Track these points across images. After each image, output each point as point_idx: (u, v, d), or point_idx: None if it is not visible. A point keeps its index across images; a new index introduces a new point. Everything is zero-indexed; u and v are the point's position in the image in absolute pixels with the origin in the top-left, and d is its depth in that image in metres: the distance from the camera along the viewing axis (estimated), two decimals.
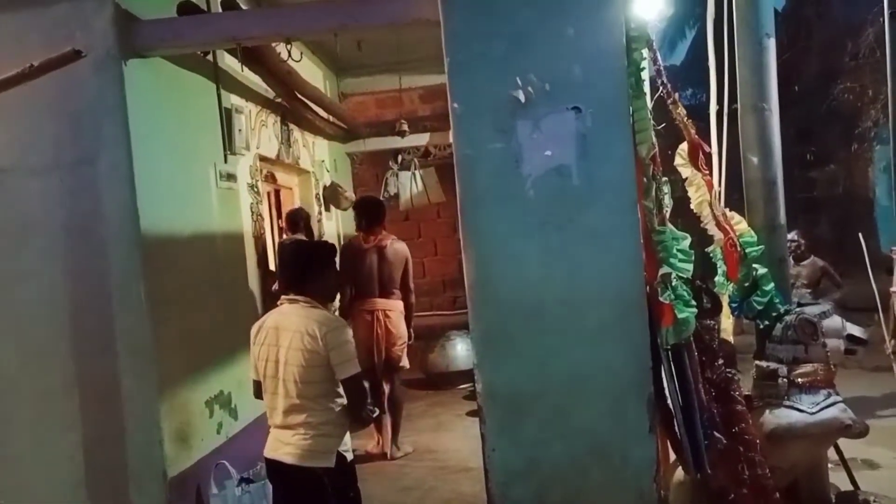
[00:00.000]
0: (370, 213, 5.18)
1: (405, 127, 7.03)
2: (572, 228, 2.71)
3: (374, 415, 3.07)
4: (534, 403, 2.71)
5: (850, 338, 3.21)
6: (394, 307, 5.08)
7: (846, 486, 3.71)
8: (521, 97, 2.71)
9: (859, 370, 4.60)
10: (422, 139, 7.38)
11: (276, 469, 2.87)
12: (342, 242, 6.95)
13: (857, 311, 4.92)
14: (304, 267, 2.94)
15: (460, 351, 6.33)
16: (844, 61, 10.31)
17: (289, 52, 3.62)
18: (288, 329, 2.82)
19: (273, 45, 4.09)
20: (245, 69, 4.37)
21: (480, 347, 2.77)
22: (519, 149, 2.72)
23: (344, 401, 2.83)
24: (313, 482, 2.77)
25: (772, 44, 3.73)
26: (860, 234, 4.64)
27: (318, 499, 2.79)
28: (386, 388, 5.12)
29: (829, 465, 3.66)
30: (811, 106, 11.15)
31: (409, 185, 7.72)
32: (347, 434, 2.93)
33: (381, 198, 6.63)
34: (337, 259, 3.12)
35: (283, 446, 2.81)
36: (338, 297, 5.26)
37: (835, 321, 3.24)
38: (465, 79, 2.75)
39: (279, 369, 2.81)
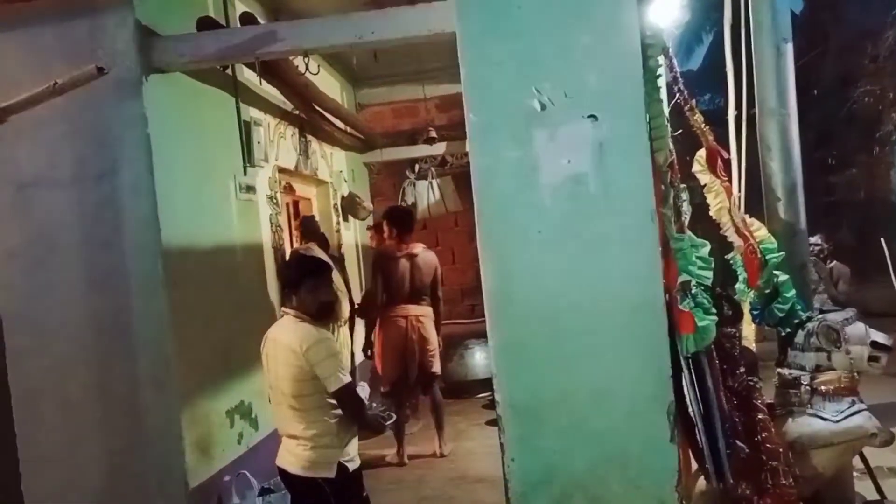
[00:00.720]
0: (402, 222, 5.30)
1: (433, 134, 7.08)
2: (590, 237, 2.70)
3: (389, 422, 3.08)
4: (553, 412, 2.69)
5: (875, 344, 3.16)
6: (426, 314, 5.20)
7: (872, 494, 3.65)
8: (538, 106, 2.72)
9: (884, 376, 4.52)
10: (439, 148, 7.42)
11: (283, 477, 2.94)
12: (360, 252, 7.00)
13: (881, 316, 4.86)
14: (291, 280, 2.97)
15: (479, 360, 6.33)
16: (864, 64, 10.21)
17: (306, 66, 3.65)
18: (279, 343, 2.87)
19: (291, 58, 4.14)
20: (263, 82, 4.43)
21: (499, 356, 2.77)
22: (536, 158, 2.73)
23: (338, 414, 2.83)
24: (314, 491, 2.81)
25: (789, 48, 3.70)
26: (882, 239, 4.58)
27: None
28: (423, 397, 5.26)
29: (855, 474, 3.60)
30: (831, 110, 11.04)
31: (426, 195, 7.77)
32: (354, 443, 2.93)
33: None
34: (332, 275, 3.08)
35: (287, 455, 2.87)
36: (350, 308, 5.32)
37: (858, 328, 3.19)
38: (481, 88, 2.76)
39: (277, 382, 2.85)
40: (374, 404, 3.09)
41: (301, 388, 2.78)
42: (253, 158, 4.37)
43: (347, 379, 2.80)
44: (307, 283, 2.90)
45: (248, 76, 4.39)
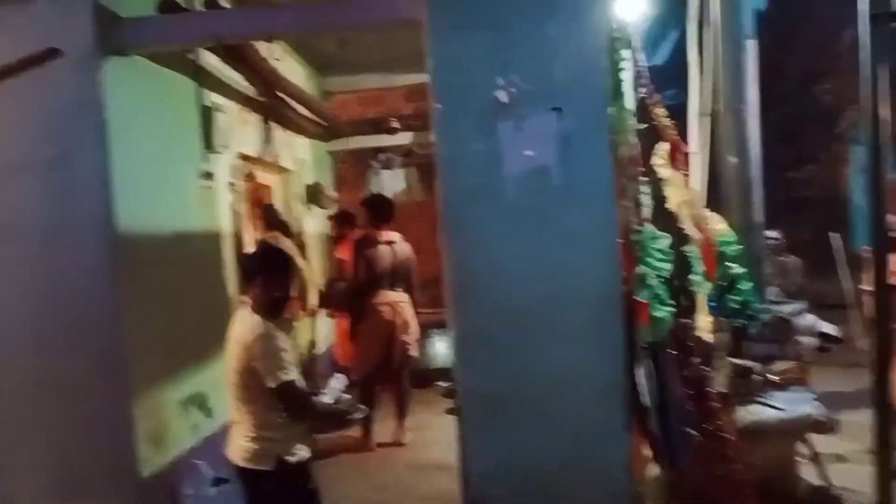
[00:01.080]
0: (383, 209, 5.35)
1: (395, 124, 7.03)
2: (553, 228, 2.73)
3: (358, 415, 3.05)
4: (511, 402, 2.73)
5: (823, 335, 3.26)
6: (406, 300, 5.30)
7: (820, 481, 3.77)
8: (504, 98, 2.73)
9: (833, 366, 4.66)
10: (404, 138, 7.39)
11: (232, 467, 2.93)
12: (324, 241, 6.95)
13: (832, 308, 5.00)
14: (248, 272, 2.95)
15: (440, 349, 6.36)
16: (825, 63, 10.42)
17: (271, 52, 3.60)
18: (232, 333, 2.86)
19: (255, 43, 4.08)
20: (226, 67, 4.35)
21: (460, 346, 2.79)
22: (501, 149, 2.74)
23: (280, 409, 2.78)
24: (255, 482, 2.81)
25: (751, 45, 3.77)
26: (830, 234, 4.71)
27: (259, 499, 2.82)
28: (398, 382, 5.31)
29: (802, 461, 3.71)
30: (793, 107, 11.25)
31: (391, 184, 7.74)
32: (302, 437, 2.87)
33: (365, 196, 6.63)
34: (291, 270, 3.00)
35: (232, 445, 2.87)
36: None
37: (808, 319, 3.29)
38: (447, 78, 2.76)
39: (229, 371, 2.85)
40: (344, 396, 3.04)
41: (245, 380, 2.77)
42: (213, 144, 4.30)
43: (289, 377, 2.73)
44: (262, 276, 2.86)
45: (211, 60, 4.31)
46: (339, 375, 3.23)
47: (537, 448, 2.71)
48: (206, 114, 4.27)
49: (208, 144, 4.26)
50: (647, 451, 2.92)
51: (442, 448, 4.77)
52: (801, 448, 3.54)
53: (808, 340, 3.24)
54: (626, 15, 3.20)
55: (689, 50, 4.31)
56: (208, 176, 4.26)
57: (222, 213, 4.52)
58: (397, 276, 5.24)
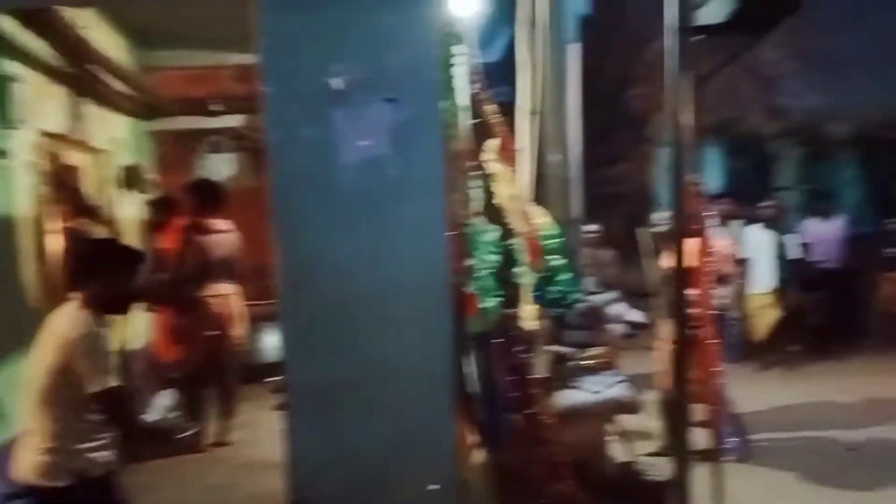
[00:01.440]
0: (211, 196, 5.06)
1: (219, 107, 6.68)
2: (385, 219, 2.72)
3: (186, 435, 2.85)
4: (340, 394, 2.70)
5: (631, 322, 3.56)
6: (236, 292, 5.07)
7: (628, 457, 4.11)
8: (337, 84, 2.67)
9: (641, 350, 5.11)
10: (235, 120, 7.06)
11: (20, 488, 2.61)
12: (142, 228, 6.46)
13: (641, 296, 5.47)
14: (89, 267, 2.69)
15: (268, 343, 6.16)
16: (637, 69, 11.35)
17: (78, 19, 3.27)
18: (51, 327, 2.59)
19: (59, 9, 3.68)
20: (28, 33, 3.89)
21: (290, 338, 2.72)
22: (334, 137, 2.69)
23: (93, 416, 2.58)
24: (47, 501, 2.56)
25: (573, 49, 4.00)
26: (636, 229, 5.16)
27: None
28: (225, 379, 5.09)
29: (612, 440, 4.04)
30: (610, 108, 12.14)
31: (221, 169, 7.37)
32: (105, 446, 2.65)
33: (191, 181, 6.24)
34: (138, 265, 2.82)
35: (21, 459, 2.58)
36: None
37: (617, 308, 3.58)
38: (278, 60, 2.66)
39: (35, 370, 2.57)
40: (171, 414, 2.83)
41: (58, 381, 2.51)
42: (9, 119, 3.84)
43: (114, 382, 2.54)
44: (107, 273, 2.63)
45: (7, 26, 3.83)
46: (167, 392, 3.03)
47: (365, 439, 2.70)
48: (1, 84, 3.80)
49: (3, 118, 3.80)
50: (473, 438, 3.02)
51: (269, 445, 4.64)
52: (611, 427, 3.84)
53: (617, 327, 3.52)
54: (460, 11, 3.27)
55: (517, 50, 4.49)
56: (2, 154, 3.81)
57: (20, 196, 4.06)
58: (227, 267, 5.00)
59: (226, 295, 5.01)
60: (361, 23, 2.68)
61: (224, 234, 5.02)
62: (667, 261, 4.30)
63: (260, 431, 5.12)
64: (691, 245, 3.01)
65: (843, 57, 9.25)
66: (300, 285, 2.69)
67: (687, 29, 2.81)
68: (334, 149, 2.68)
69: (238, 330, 5.08)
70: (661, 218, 4.70)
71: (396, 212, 2.72)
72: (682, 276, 2.83)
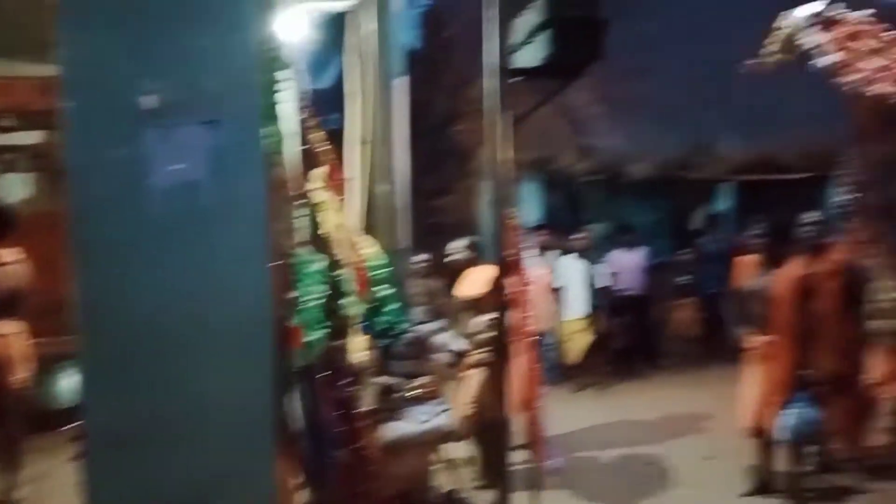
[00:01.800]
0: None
1: (13, 121, 6.03)
2: (200, 248, 2.56)
3: None
4: (149, 439, 2.48)
5: (453, 352, 3.64)
6: (20, 330, 4.53)
7: (452, 485, 4.16)
8: (148, 103, 2.49)
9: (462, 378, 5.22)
10: (33, 137, 6.40)
11: None
12: None
13: None
14: None
15: (65, 385, 5.54)
16: (461, 105, 11.85)
17: None
18: None
19: None
20: None
21: (89, 378, 2.47)
22: (144, 159, 2.50)
23: None
24: None
25: (401, 83, 4.07)
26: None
27: None
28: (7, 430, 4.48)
29: (436, 469, 4.07)
30: (437, 141, 12.54)
31: (14, 191, 6.62)
32: None
33: None
34: None
35: None
36: None
37: (441, 338, 3.64)
38: (81, 74, 2.44)
39: None
40: None
41: None
42: None
43: None
44: None
45: None
46: None
47: (176, 484, 2.49)
48: None
49: None
50: (295, 478, 2.90)
51: (65, 499, 4.15)
52: (437, 457, 3.87)
53: (442, 356, 3.57)
54: (286, 36, 3.20)
55: (346, 79, 4.49)
56: None
57: None
58: (10, 303, 4.48)
59: (5, 335, 4.46)
60: (176, 40, 2.53)
61: (9, 266, 4.49)
62: (461, 289, 4.48)
63: (54, 484, 4.58)
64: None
65: (640, 102, 10.31)
66: (101, 320, 2.46)
67: (505, 70, 2.96)
68: (143, 172, 2.49)
69: (23, 372, 4.52)
70: (454, 247, 4.91)
71: (213, 241, 2.57)
72: (493, 304, 2.95)
